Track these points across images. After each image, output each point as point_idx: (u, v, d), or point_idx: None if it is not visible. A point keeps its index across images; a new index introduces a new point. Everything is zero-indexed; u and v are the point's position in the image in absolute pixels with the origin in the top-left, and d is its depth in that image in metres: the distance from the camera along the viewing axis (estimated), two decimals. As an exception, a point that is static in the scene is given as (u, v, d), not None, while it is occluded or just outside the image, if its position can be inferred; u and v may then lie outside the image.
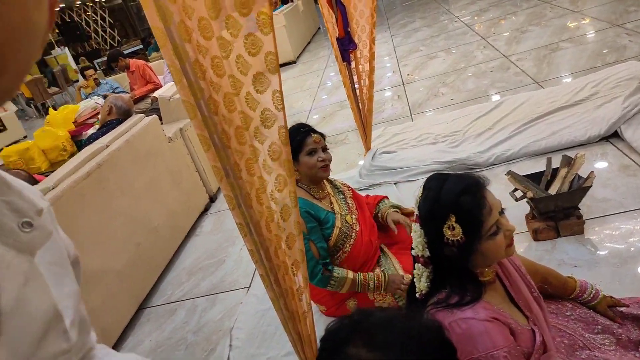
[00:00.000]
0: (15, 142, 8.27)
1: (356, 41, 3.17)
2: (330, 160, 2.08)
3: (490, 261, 1.26)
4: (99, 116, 3.78)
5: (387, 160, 3.37)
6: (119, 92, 6.05)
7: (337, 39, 3.09)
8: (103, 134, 3.17)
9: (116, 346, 2.55)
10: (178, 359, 2.34)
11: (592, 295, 1.60)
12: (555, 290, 1.63)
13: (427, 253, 1.28)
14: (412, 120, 4.24)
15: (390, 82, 5.56)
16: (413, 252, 1.31)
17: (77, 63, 12.88)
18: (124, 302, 2.69)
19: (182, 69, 1.25)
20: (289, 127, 2.02)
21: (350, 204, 2.26)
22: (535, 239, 2.31)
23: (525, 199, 2.30)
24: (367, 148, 3.52)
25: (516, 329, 1.24)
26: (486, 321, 1.16)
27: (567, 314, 1.59)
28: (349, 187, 2.35)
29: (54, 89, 11.44)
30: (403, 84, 5.31)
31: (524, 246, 2.31)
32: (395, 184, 3.20)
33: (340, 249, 2.13)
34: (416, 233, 1.28)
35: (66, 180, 2.51)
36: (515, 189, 2.35)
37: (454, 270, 1.27)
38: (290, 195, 1.44)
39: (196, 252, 3.27)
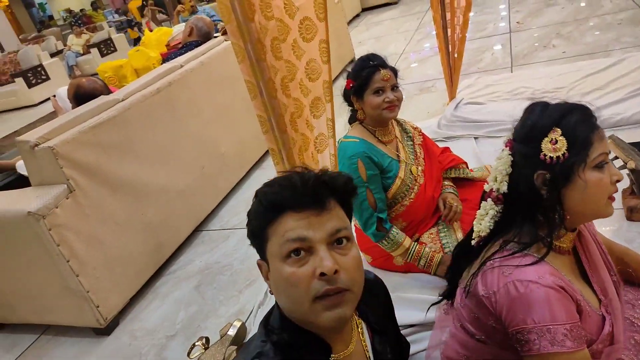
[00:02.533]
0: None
1: (455, -28, 2.80)
2: (400, 101, 1.86)
3: (586, 208, 1.04)
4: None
5: (472, 112, 3.04)
6: (214, 20, 6.09)
7: (433, -32, 2.75)
8: (181, 54, 3.17)
9: (169, 261, 2.64)
10: (221, 282, 2.37)
11: None
12: (631, 275, 1.34)
13: (504, 187, 1.08)
14: (512, 72, 3.78)
15: (496, 29, 5.01)
16: (486, 186, 1.13)
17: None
18: (183, 221, 2.75)
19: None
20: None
21: (419, 152, 2.05)
22: (630, 219, 1.96)
23: (626, 170, 1.93)
24: (452, 97, 3.20)
25: (584, 309, 1.02)
26: (551, 288, 0.96)
27: (647, 307, 1.31)
28: (420, 131, 2.12)
29: (163, 17, 11.90)
30: (510, 32, 4.76)
31: (615, 225, 1.97)
32: (475, 138, 2.88)
33: (398, 202, 1.95)
34: (500, 160, 1.09)
35: (136, 94, 2.54)
36: (615, 157, 1.97)
37: (530, 212, 1.07)
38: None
39: (259, 184, 3.23)
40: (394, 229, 1.85)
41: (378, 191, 1.85)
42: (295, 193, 0.83)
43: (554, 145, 1.01)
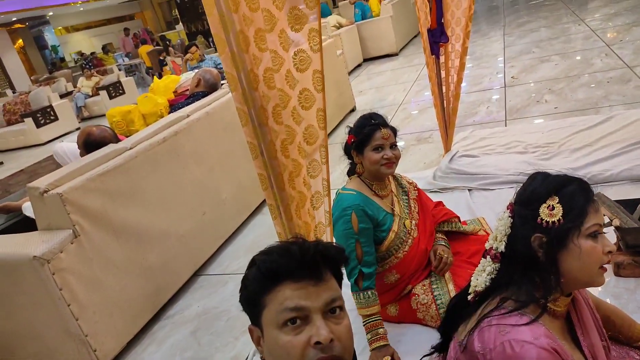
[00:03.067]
0: (130, 106, 9.03)
1: (449, 34, 2.97)
2: (398, 159, 1.96)
3: (579, 274, 1.11)
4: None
5: (466, 165, 3.15)
6: (220, 68, 6.33)
7: (428, 30, 2.93)
8: (189, 104, 3.31)
9: (167, 305, 2.67)
10: (219, 328, 2.40)
11: None
12: (618, 334, 1.40)
13: (502, 247, 1.17)
14: (505, 126, 3.92)
15: (491, 84, 5.20)
16: (487, 244, 1.22)
17: (194, 39, 13.71)
18: (182, 265, 2.80)
19: (226, 39, 1.23)
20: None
21: (413, 207, 2.13)
22: (617, 274, 2.01)
23: (612, 227, 2.01)
24: (447, 149, 3.32)
25: None
26: (545, 350, 1.02)
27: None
28: (415, 186, 2.21)
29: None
30: (505, 86, 4.94)
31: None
32: (469, 190, 2.97)
33: (392, 254, 2.01)
34: (501, 221, 1.19)
35: (143, 143, 2.65)
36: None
37: (526, 272, 1.14)
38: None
39: (259, 230, 3.32)
40: (369, 292, 1.87)
41: (367, 245, 1.91)
42: (294, 263, 0.87)
43: (550, 211, 1.11)
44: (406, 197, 2.15)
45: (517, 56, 6.00)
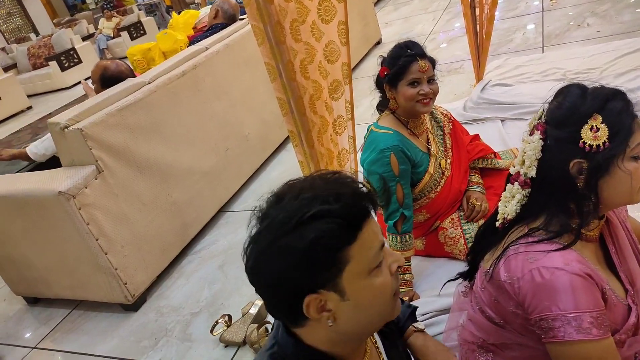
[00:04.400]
0: (151, 46, 8.89)
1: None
2: (435, 94, 1.79)
3: (620, 197, 1.01)
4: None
5: (500, 94, 2.97)
6: (240, 2, 6.08)
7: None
8: (207, 36, 3.19)
9: (194, 240, 2.70)
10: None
11: None
12: None
13: (533, 172, 1.04)
14: (543, 53, 3.66)
15: (528, 8, 4.84)
16: (512, 169, 1.10)
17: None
18: (207, 202, 2.80)
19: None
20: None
21: (448, 143, 2.00)
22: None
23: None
24: (479, 78, 3.13)
25: (610, 298, 1.00)
26: (577, 275, 0.94)
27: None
28: (450, 118, 2.07)
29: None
30: (542, 11, 4.59)
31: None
32: (502, 121, 2.82)
33: (425, 195, 1.92)
34: (530, 145, 1.04)
35: (162, 77, 2.57)
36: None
37: (562, 200, 1.03)
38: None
39: (282, 166, 3.27)
40: (407, 236, 1.82)
41: (407, 186, 1.81)
42: (367, 198, 0.75)
43: (595, 134, 0.97)
44: (441, 133, 2.02)
45: (557, -22, 5.54)
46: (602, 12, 4.06)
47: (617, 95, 1.00)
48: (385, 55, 1.84)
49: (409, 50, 1.75)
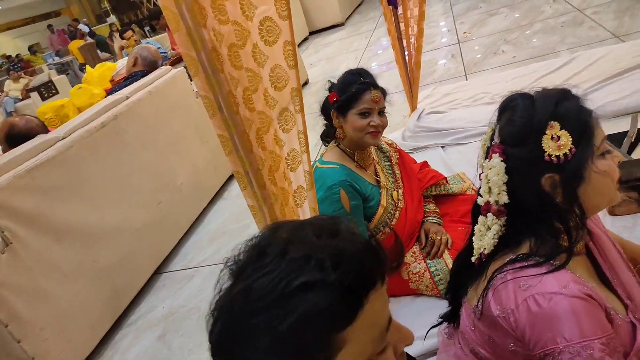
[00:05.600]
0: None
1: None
2: (385, 127, 1.69)
3: (599, 199, 0.93)
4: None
5: (435, 121, 2.98)
6: (161, 52, 5.89)
7: (382, -21, 2.70)
8: (126, 85, 2.97)
9: (128, 310, 2.38)
10: (189, 328, 2.14)
11: None
12: None
13: (505, 198, 0.94)
14: (467, 80, 3.78)
15: (444, 42, 5.07)
16: (480, 199, 0.99)
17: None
18: (141, 264, 2.50)
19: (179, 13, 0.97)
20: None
21: (397, 174, 1.91)
22: (612, 213, 1.90)
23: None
24: (413, 108, 3.14)
25: (614, 318, 0.90)
26: (578, 298, 0.84)
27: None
28: (395, 147, 1.99)
29: (105, 55, 11.58)
30: (458, 42, 4.81)
31: (597, 221, 1.90)
32: (442, 147, 2.81)
33: (380, 230, 1.80)
34: (492, 170, 0.94)
35: (78, 130, 2.31)
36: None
37: (543, 221, 0.93)
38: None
39: (222, 215, 3.05)
40: None
41: (361, 223, 1.69)
42: (376, 260, 0.58)
43: (557, 142, 0.88)
44: (389, 163, 1.93)
45: (465, 13, 5.90)
46: (513, 39, 4.31)
47: (566, 95, 0.93)
48: (334, 80, 1.74)
49: (361, 78, 1.66)
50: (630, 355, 0.91)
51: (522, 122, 0.93)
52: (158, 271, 2.62)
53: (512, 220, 0.97)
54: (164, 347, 2.09)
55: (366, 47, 6.07)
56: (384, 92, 1.69)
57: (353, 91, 1.62)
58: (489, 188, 0.97)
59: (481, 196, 0.99)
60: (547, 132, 0.89)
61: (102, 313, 2.21)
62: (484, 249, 0.99)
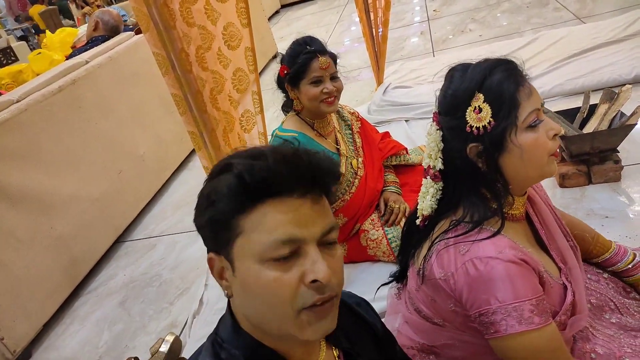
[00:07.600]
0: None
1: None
2: (340, 91, 1.69)
3: (528, 171, 0.95)
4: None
5: (400, 96, 3.01)
6: (124, 20, 5.69)
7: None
8: (87, 50, 2.87)
9: (87, 278, 2.36)
10: (150, 295, 2.14)
11: (632, 264, 1.23)
12: (581, 247, 1.31)
13: (440, 164, 0.98)
14: (434, 57, 3.82)
15: (414, 18, 5.08)
16: (424, 162, 1.03)
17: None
18: (100, 232, 2.47)
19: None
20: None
21: (357, 142, 1.93)
22: (562, 185, 1.98)
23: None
24: (379, 82, 3.16)
25: (547, 280, 0.95)
26: (512, 263, 0.88)
27: (598, 270, 1.28)
28: (357, 116, 2.00)
29: (69, 22, 11.10)
30: (428, 20, 4.83)
31: (548, 193, 1.98)
32: (406, 121, 2.84)
33: (339, 198, 1.82)
34: (431, 136, 0.98)
35: (34, 94, 2.24)
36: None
37: (473, 187, 0.97)
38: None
39: (185, 185, 3.03)
40: None
41: None
42: (290, 173, 0.62)
43: (478, 115, 0.91)
44: (350, 132, 1.94)
45: (436, -9, 5.91)
46: (481, 18, 4.36)
47: (497, 67, 0.94)
48: (283, 52, 1.73)
49: (307, 47, 1.65)
50: (559, 314, 0.97)
51: (452, 94, 0.96)
52: (119, 240, 2.60)
53: (447, 186, 1.01)
54: (123, 312, 2.09)
55: (337, 21, 6.03)
56: (333, 57, 1.68)
57: (300, 62, 1.62)
58: (429, 153, 1.01)
59: (425, 160, 1.03)
60: (472, 103, 0.92)
61: (59, 281, 2.18)
62: (424, 210, 1.03)
